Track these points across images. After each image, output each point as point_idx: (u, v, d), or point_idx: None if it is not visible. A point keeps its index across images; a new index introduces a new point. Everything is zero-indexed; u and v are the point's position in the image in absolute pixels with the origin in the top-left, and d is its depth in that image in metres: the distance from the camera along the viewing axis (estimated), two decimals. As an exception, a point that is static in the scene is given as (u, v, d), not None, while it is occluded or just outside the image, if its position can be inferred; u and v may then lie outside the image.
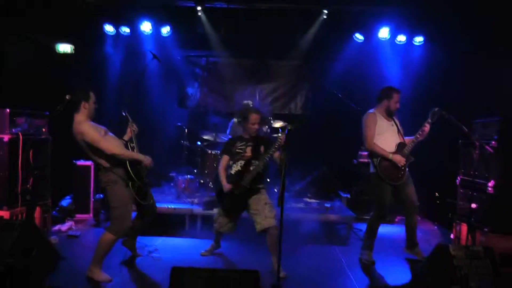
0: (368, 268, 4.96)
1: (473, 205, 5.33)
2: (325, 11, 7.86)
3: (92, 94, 4.38)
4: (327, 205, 6.78)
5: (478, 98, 6.55)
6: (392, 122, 5.11)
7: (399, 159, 4.85)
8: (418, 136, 4.90)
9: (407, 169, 4.99)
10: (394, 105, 5.03)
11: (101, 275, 4.27)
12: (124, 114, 4.79)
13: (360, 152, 7.70)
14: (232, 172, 4.91)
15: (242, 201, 4.83)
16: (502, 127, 5.29)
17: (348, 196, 7.44)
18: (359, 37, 8.19)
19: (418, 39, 8.16)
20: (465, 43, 7.07)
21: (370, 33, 8.16)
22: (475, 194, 5.49)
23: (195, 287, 2.88)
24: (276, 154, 4.68)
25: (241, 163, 4.88)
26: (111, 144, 4.27)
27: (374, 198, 5.17)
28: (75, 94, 4.34)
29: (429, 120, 4.88)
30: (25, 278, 3.74)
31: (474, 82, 6.78)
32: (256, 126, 4.88)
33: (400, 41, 8.21)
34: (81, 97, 4.31)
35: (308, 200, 7.26)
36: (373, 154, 5.02)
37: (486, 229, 5.20)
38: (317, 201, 7.15)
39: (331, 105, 7.62)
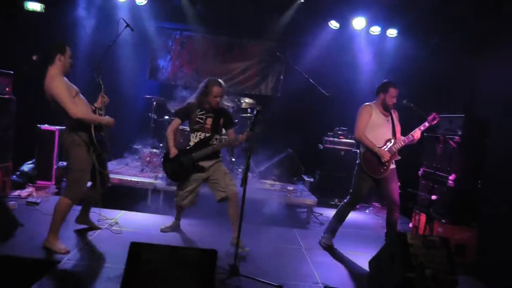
0: (326, 253, 5.04)
1: (433, 197, 5.46)
2: (303, -5, 7.81)
3: (68, 49, 4.21)
4: (290, 187, 6.85)
5: (448, 93, 6.67)
6: (389, 118, 5.09)
7: (383, 154, 4.84)
8: (407, 139, 4.91)
9: (392, 165, 5.00)
10: (390, 99, 4.96)
11: (58, 245, 4.10)
12: (97, 80, 4.61)
13: (325, 138, 7.78)
14: (191, 143, 4.88)
15: (186, 171, 4.81)
16: (466, 123, 5.40)
17: (312, 180, 7.51)
18: (334, 24, 8.19)
19: (392, 32, 8.23)
20: (437, 38, 7.17)
21: (345, 22, 8.17)
22: (436, 186, 5.63)
23: (153, 263, 2.84)
24: (240, 136, 4.66)
25: (200, 135, 4.86)
26: (78, 108, 4.08)
27: (353, 185, 5.17)
28: (51, 46, 4.17)
29: (421, 127, 4.90)
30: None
31: (445, 77, 6.89)
32: (217, 99, 4.82)
33: (374, 32, 8.27)
34: (57, 49, 4.13)
35: (272, 182, 7.29)
36: (360, 144, 5.07)
37: (444, 220, 5.35)
38: (281, 183, 7.20)
39: (301, 89, 7.60)
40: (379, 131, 5.00)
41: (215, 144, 4.83)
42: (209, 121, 4.85)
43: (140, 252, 2.85)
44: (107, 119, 4.41)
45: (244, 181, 3.95)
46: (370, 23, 8.09)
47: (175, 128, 4.96)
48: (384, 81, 5.11)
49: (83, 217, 4.84)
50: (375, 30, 8.21)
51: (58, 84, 4.02)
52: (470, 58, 6.34)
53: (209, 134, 4.84)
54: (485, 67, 6.05)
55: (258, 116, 4.25)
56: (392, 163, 5.00)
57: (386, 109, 5.05)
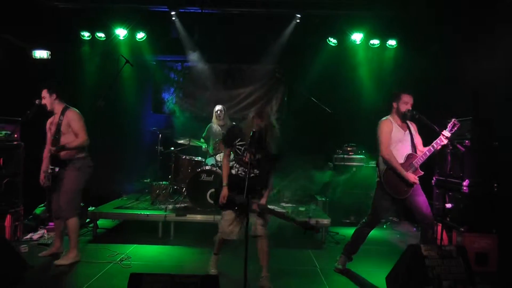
0: (342, 273, 4.86)
1: (448, 205, 5.31)
2: (298, 15, 7.87)
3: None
4: (302, 209, 6.73)
5: (451, 99, 6.56)
6: (407, 131, 4.72)
7: (410, 178, 4.45)
8: (429, 151, 4.51)
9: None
10: (404, 106, 4.61)
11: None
12: None
13: (335, 155, 7.68)
14: (233, 172, 4.47)
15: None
16: (474, 125, 5.27)
17: (325, 199, 7.38)
18: (332, 40, 8.19)
19: (391, 42, 8.20)
20: (438, 45, 7.10)
21: (343, 37, 8.18)
22: (450, 193, 5.47)
23: (154, 293, 2.77)
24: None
25: (239, 168, 4.43)
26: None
27: (373, 205, 4.81)
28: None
29: (442, 138, 4.46)
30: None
31: (447, 84, 6.80)
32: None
33: (373, 45, 8.24)
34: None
35: (284, 204, 7.18)
36: (383, 162, 4.66)
37: (461, 229, 5.17)
38: (293, 205, 7.08)
39: (307, 109, 7.56)
40: (399, 146, 4.64)
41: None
42: (247, 156, 4.32)
43: (140, 283, 2.78)
44: None
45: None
46: (369, 36, 8.08)
47: (229, 159, 4.56)
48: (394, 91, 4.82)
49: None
50: (375, 42, 8.19)
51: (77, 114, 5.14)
52: (470, 60, 6.24)
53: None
54: (485, 66, 5.93)
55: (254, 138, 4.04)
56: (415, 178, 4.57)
57: (403, 119, 4.71)
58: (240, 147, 4.40)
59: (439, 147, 4.48)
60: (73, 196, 5.00)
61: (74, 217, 5.02)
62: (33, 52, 7.98)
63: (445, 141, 4.44)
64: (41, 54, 7.99)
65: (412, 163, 4.55)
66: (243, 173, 4.36)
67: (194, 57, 8.45)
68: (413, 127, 4.79)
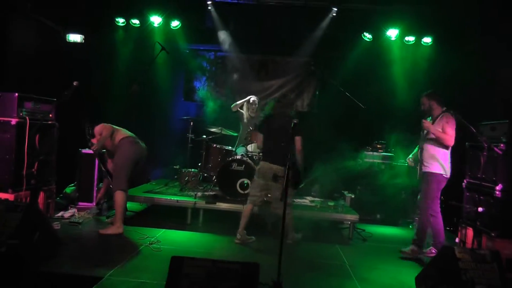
0: (371, 269, 4.88)
1: (480, 209, 5.24)
2: (335, 9, 7.83)
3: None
4: (331, 203, 6.74)
5: (486, 100, 6.45)
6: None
7: None
8: None
9: None
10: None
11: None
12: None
13: (364, 152, 7.64)
14: None
15: None
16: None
17: (352, 196, 7.37)
18: (367, 35, 8.13)
19: (427, 40, 8.10)
20: (474, 44, 6.99)
21: (378, 33, 8.12)
22: (481, 197, 5.40)
23: (194, 277, 2.82)
24: None
25: None
26: None
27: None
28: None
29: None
30: (26, 260, 3.73)
31: (482, 85, 6.69)
32: None
33: (408, 41, 8.16)
34: None
35: (312, 198, 7.20)
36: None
37: (492, 234, 5.11)
38: (321, 199, 7.10)
39: (338, 103, 7.54)
40: None
41: None
42: None
43: (181, 266, 2.84)
44: None
45: (284, 196, 3.88)
46: (404, 32, 7.99)
47: None
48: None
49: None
50: (410, 39, 8.11)
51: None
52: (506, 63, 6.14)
53: None
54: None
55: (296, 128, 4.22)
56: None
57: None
58: None
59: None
60: (120, 170, 5.45)
61: (120, 191, 5.37)
62: (67, 35, 8.18)
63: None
64: (75, 38, 8.22)
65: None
66: None
67: (228, 47, 8.48)
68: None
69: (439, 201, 5.29)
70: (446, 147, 5.19)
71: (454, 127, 5.12)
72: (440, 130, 5.13)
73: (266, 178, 5.42)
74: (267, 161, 5.46)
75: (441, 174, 5.20)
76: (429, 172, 5.25)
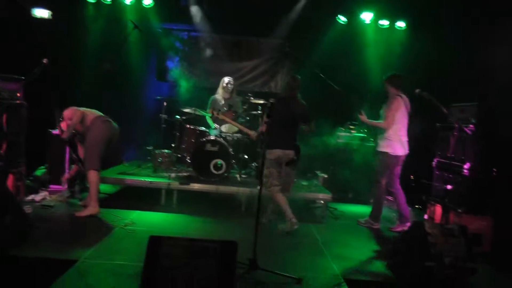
0: (343, 246, 5.01)
1: (448, 187, 5.42)
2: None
3: None
4: (304, 183, 6.81)
5: (459, 83, 6.59)
6: None
7: None
8: None
9: None
10: None
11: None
12: None
13: (338, 133, 7.74)
14: None
15: None
16: (481, 111, 5.35)
17: (325, 176, 7.47)
18: (342, 18, 8.16)
19: (400, 24, 8.19)
20: (447, 29, 7.10)
21: (353, 16, 8.16)
22: (450, 176, 5.58)
23: (173, 256, 2.84)
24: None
25: None
26: None
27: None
28: None
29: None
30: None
31: (455, 69, 6.82)
32: None
33: (382, 25, 8.24)
34: None
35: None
36: None
37: (459, 210, 5.29)
38: (295, 179, 7.15)
39: (311, 86, 7.56)
40: None
41: None
42: None
43: (159, 246, 2.85)
44: None
45: (259, 177, 3.92)
46: (378, 16, 8.06)
47: None
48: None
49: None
50: (384, 23, 8.19)
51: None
52: (480, 46, 6.26)
53: None
54: (496, 54, 5.95)
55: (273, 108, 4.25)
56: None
57: None
58: None
59: None
60: (92, 149, 5.36)
61: (94, 170, 5.30)
62: (32, 10, 7.75)
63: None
64: (41, 13, 7.76)
65: None
66: None
67: (199, 22, 8.39)
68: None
69: (394, 177, 5.73)
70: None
71: (395, 109, 5.58)
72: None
73: (280, 165, 5.38)
74: (280, 148, 5.31)
75: (388, 153, 5.59)
76: (378, 151, 5.74)
